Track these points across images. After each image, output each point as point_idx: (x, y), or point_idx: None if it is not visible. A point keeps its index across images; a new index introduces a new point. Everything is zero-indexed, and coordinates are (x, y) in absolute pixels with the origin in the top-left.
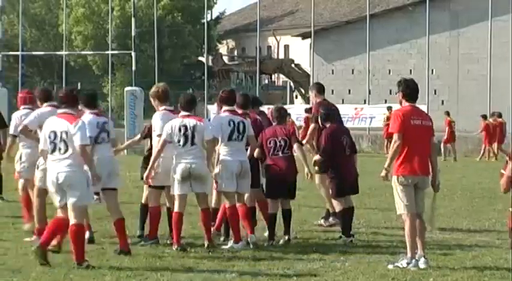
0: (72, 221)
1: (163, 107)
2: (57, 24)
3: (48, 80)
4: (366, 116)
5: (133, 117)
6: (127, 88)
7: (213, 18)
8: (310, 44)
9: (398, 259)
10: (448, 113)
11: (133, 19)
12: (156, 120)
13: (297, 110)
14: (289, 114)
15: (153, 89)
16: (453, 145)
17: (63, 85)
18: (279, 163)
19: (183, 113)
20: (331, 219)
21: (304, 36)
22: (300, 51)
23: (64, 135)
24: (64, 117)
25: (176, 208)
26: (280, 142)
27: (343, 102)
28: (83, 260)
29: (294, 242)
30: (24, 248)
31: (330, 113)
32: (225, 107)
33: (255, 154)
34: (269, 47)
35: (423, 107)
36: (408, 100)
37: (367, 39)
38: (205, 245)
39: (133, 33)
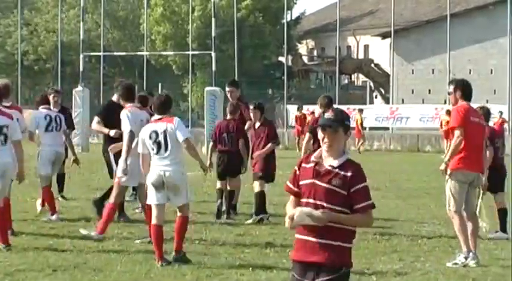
0: (154, 221)
1: (130, 105)
2: (138, 24)
3: (130, 80)
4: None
5: (213, 117)
6: (207, 88)
7: (293, 18)
8: (390, 44)
9: (456, 257)
10: None
11: (213, 19)
12: (124, 118)
13: (377, 111)
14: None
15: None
16: None
17: (144, 85)
18: None
19: (155, 117)
20: None
21: (384, 35)
22: (380, 51)
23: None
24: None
25: (154, 220)
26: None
27: (423, 102)
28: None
29: (374, 242)
30: (105, 247)
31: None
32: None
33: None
34: (349, 47)
35: (504, 107)
36: (465, 99)
37: (447, 38)
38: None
39: (213, 34)
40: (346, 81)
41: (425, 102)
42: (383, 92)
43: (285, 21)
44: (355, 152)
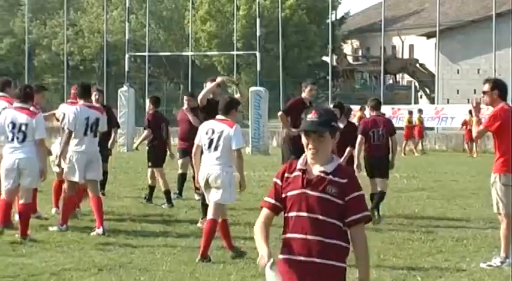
0: (209, 216)
1: (82, 102)
2: (184, 24)
3: (175, 80)
4: None
5: (258, 117)
6: (252, 88)
7: (338, 18)
8: (436, 44)
9: (492, 258)
10: None
11: (258, 19)
12: (71, 113)
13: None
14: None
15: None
16: None
17: (189, 85)
18: None
19: (218, 116)
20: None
21: (429, 35)
22: (425, 51)
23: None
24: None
25: (209, 216)
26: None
27: (468, 102)
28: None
29: (419, 243)
30: (150, 247)
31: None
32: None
33: None
34: (394, 47)
35: None
36: (504, 99)
37: (493, 38)
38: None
39: (258, 33)
40: (391, 81)
41: (470, 103)
42: (428, 92)
43: (329, 20)
44: (409, 153)
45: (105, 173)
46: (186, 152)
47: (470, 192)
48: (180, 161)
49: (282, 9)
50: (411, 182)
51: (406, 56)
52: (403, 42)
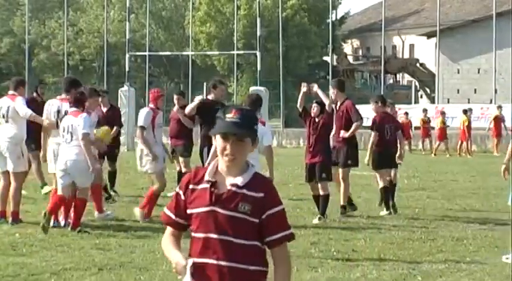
0: None
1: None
2: (183, 24)
3: (175, 79)
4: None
5: (258, 117)
6: (252, 88)
7: (338, 18)
8: (436, 43)
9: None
10: None
11: (258, 19)
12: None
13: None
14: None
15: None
16: None
17: (189, 85)
18: None
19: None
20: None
21: (430, 35)
22: (425, 51)
23: None
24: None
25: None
26: None
27: (469, 102)
28: None
29: (419, 243)
30: (151, 246)
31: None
32: None
33: None
34: (394, 47)
35: None
36: None
37: (493, 38)
38: None
39: (258, 33)
40: (391, 80)
41: (471, 102)
42: (428, 91)
43: (330, 20)
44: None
45: (113, 173)
46: (173, 151)
47: (470, 192)
48: (181, 159)
49: (282, 9)
50: (411, 181)
51: (406, 55)
52: (403, 42)
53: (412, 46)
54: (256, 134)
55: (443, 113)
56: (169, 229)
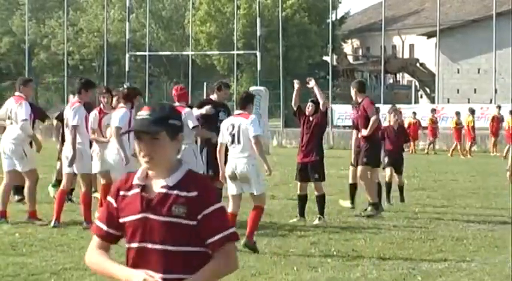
0: (229, 209)
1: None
2: (183, 24)
3: (175, 79)
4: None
5: (258, 116)
6: (252, 87)
7: (338, 18)
8: (436, 43)
9: None
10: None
11: (258, 19)
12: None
13: (422, 110)
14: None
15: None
16: None
17: (189, 85)
18: None
19: (236, 111)
20: (369, 208)
21: (430, 35)
22: (425, 51)
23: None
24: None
25: (229, 209)
26: None
27: (468, 102)
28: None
29: (419, 242)
30: None
31: None
32: None
33: None
34: (394, 47)
35: None
36: None
37: (493, 38)
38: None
39: (258, 33)
40: (391, 80)
41: (471, 102)
42: (428, 91)
43: (330, 20)
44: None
45: None
46: None
47: (470, 192)
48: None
49: (282, 9)
50: (411, 181)
51: (406, 55)
52: (403, 41)
53: (412, 46)
54: (175, 128)
55: (458, 114)
56: (95, 242)
